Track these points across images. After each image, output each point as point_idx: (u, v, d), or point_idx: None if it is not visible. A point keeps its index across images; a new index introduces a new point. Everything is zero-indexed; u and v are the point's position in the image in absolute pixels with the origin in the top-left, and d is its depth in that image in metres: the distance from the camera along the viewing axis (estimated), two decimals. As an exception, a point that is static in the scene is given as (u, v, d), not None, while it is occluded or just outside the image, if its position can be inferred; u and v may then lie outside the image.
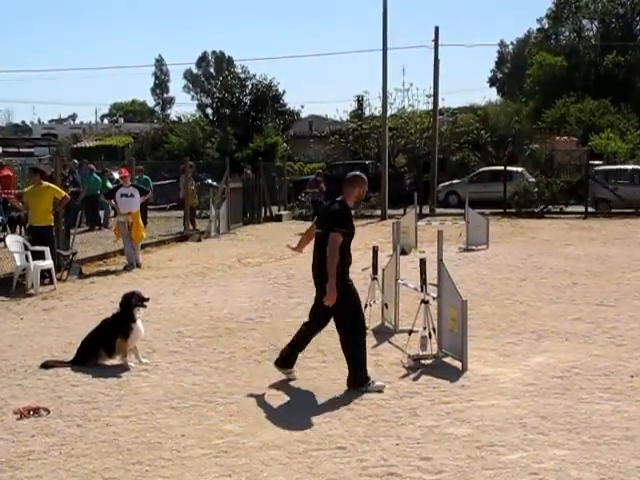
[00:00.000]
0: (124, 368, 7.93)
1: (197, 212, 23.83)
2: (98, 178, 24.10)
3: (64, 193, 14.22)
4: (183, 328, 9.85)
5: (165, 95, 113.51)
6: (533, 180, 30.01)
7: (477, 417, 6.30)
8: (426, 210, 29.09)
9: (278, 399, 6.92)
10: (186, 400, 6.91)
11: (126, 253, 15.84)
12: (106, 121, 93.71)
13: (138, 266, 15.45)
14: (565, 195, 28.38)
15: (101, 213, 24.22)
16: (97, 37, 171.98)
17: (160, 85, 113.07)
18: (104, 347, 8.07)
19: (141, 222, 16.23)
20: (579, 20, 62.26)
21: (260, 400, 6.89)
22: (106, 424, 6.31)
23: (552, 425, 6.07)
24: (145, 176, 22.92)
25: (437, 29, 32.27)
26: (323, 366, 7.99)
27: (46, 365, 8.05)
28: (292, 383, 7.39)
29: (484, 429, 6.02)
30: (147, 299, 8.48)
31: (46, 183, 14.07)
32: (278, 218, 28.13)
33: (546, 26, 65.61)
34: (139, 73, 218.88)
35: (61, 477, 5.28)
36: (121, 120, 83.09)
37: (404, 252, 14.33)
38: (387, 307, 9.66)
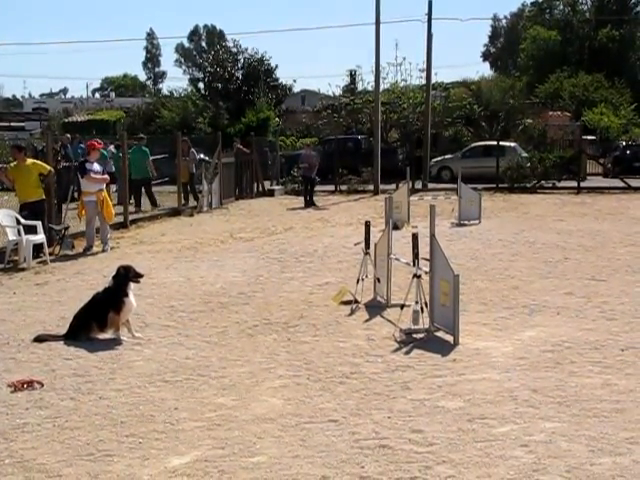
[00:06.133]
0: (117, 342, 7.94)
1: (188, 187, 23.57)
2: (104, 153, 23.54)
3: (49, 168, 14.15)
4: (176, 302, 9.86)
5: (157, 69, 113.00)
6: (526, 155, 29.99)
7: (468, 390, 6.35)
8: (419, 185, 29.06)
9: (270, 373, 6.95)
10: (179, 374, 6.94)
11: (88, 234, 14.50)
12: (97, 95, 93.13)
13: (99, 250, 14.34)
14: (558, 170, 28.39)
15: None
16: (87, 10, 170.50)
17: (151, 59, 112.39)
18: (96, 321, 8.07)
19: (109, 200, 14.98)
20: (573, -6, 61.98)
21: (252, 374, 6.91)
22: (100, 397, 6.34)
23: (543, 398, 6.12)
24: (144, 148, 22.55)
25: (430, 3, 32.09)
26: (315, 340, 8.02)
27: (39, 339, 8.06)
28: (284, 357, 7.43)
29: (475, 402, 6.07)
30: (142, 275, 8.48)
31: (30, 160, 14.02)
32: (270, 193, 28.08)
33: (540, 0, 65.27)
34: (130, 47, 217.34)
35: (55, 449, 5.30)
36: (112, 94, 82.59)
37: (396, 227, 14.34)
38: (379, 282, 9.68)
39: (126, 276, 8.24)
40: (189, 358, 7.43)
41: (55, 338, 8.08)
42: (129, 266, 8.48)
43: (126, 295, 8.12)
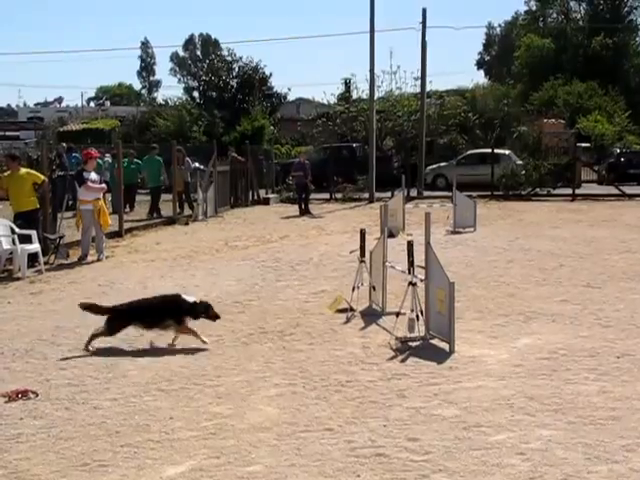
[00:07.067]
0: (112, 351, 7.90)
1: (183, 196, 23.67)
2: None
3: (43, 177, 14.12)
4: (171, 311, 9.81)
5: (151, 78, 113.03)
6: (521, 163, 30.08)
7: (464, 398, 6.33)
8: (414, 193, 29.11)
9: (266, 381, 6.93)
10: (174, 383, 6.91)
11: (83, 244, 14.44)
12: (92, 104, 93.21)
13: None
14: (552, 177, 28.46)
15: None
16: (83, 19, 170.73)
17: (146, 68, 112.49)
18: (140, 321, 8.14)
19: (105, 208, 15.09)
20: (567, 1, 62.28)
21: (248, 382, 6.89)
22: (94, 407, 6.31)
23: (539, 406, 6.11)
24: (157, 157, 22.97)
25: (424, 11, 32.24)
26: (310, 348, 8.00)
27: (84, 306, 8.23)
28: (280, 365, 7.41)
29: (471, 410, 6.05)
30: (219, 317, 8.47)
31: (24, 169, 14.01)
32: (266, 201, 28.10)
33: (534, 8, 65.60)
34: (125, 56, 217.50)
35: (50, 459, 5.28)
36: (107, 103, 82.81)
37: (392, 235, 14.33)
38: (375, 289, 9.67)
39: (202, 312, 8.27)
40: (184, 367, 7.40)
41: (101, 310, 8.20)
42: (209, 305, 8.44)
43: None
